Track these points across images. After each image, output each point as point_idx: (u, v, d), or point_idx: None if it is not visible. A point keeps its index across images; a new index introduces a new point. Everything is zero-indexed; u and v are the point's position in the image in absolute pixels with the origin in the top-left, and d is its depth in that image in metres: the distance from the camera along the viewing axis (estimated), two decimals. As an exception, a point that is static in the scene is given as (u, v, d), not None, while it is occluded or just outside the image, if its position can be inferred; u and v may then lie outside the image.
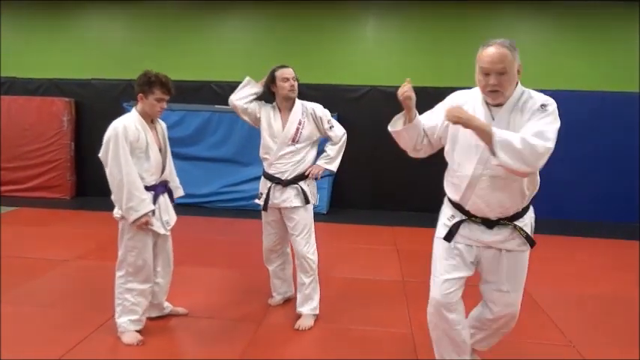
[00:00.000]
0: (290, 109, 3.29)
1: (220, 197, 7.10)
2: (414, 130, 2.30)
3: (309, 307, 3.32)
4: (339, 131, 3.36)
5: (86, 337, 3.00)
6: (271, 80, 3.27)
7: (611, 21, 7.06)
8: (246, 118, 3.35)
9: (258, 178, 3.48)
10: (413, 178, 7.13)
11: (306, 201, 3.26)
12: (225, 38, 7.66)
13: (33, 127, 7.36)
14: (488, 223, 2.27)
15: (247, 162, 6.87)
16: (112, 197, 2.86)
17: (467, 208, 2.29)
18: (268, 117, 3.31)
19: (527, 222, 2.30)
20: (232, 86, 7.77)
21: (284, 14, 7.46)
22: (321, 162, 3.35)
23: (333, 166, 3.37)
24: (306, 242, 3.29)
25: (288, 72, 3.24)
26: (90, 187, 7.37)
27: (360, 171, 7.29)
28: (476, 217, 2.28)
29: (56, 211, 6.58)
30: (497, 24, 7.28)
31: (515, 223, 2.25)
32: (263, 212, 3.41)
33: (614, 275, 4.69)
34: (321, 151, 3.42)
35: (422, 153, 2.43)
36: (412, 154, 2.44)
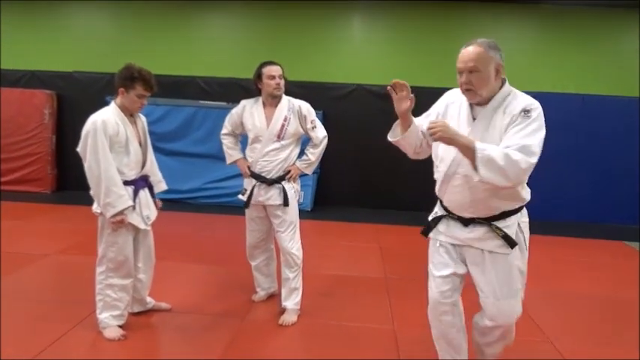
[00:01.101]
0: (276, 105, 3.29)
1: (204, 193, 7.07)
2: (412, 137, 2.29)
3: (293, 302, 3.33)
4: (320, 133, 3.39)
5: (66, 332, 2.97)
6: (257, 76, 3.26)
7: (594, 24, 7.20)
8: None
9: (242, 175, 3.47)
10: (397, 176, 7.19)
11: (285, 203, 3.27)
12: (212, 34, 7.61)
13: (13, 120, 7.22)
14: (464, 221, 2.24)
15: (232, 158, 6.86)
16: (91, 192, 2.83)
17: (444, 204, 2.31)
18: (252, 116, 3.31)
19: (512, 223, 2.19)
20: (218, 82, 7.72)
21: (271, 11, 7.44)
22: (299, 164, 3.37)
23: (309, 171, 3.43)
24: (290, 238, 3.31)
25: (275, 70, 3.23)
26: (71, 181, 7.27)
27: (345, 169, 7.32)
28: (452, 213, 2.28)
29: (36, 205, 6.48)
30: (482, 24, 7.35)
31: (495, 223, 2.17)
32: (247, 209, 3.42)
33: (594, 274, 4.79)
34: (303, 150, 3.44)
35: (422, 155, 2.40)
36: (413, 157, 2.41)
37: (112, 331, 2.92)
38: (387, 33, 7.48)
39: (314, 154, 3.38)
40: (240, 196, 3.43)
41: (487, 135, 2.09)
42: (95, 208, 2.88)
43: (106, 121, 2.78)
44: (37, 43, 7.71)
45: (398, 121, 2.31)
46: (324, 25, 7.50)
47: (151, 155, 3.11)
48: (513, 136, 2.01)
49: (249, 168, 3.36)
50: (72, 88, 7.52)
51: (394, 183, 7.25)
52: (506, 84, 2.17)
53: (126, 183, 2.87)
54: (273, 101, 3.29)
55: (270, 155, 3.28)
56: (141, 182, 3.00)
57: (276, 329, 3.21)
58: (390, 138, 2.34)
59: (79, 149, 2.81)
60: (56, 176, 7.52)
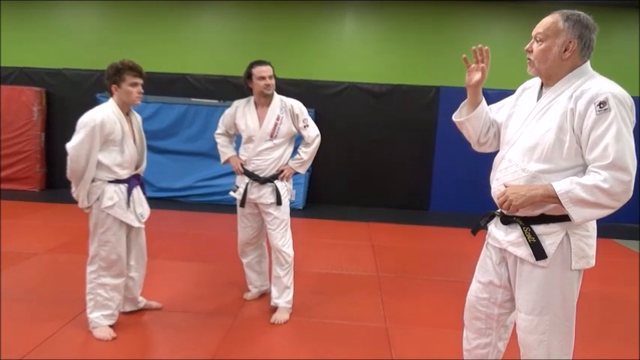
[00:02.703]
0: (268, 104, 3.28)
1: (195, 191, 7.04)
2: (478, 120, 2.01)
3: (284, 300, 3.32)
4: (312, 132, 3.36)
5: (56, 331, 2.94)
6: (248, 76, 3.25)
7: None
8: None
9: (233, 173, 3.46)
10: (389, 174, 7.20)
11: (278, 202, 3.26)
12: (203, 31, 7.57)
13: (1, 117, 7.13)
14: (504, 219, 1.90)
15: (223, 156, 6.84)
16: (67, 174, 2.81)
17: (492, 195, 1.95)
18: (244, 116, 3.31)
19: (553, 232, 1.79)
20: (209, 79, 7.67)
21: (262, 8, 7.41)
22: (292, 163, 3.35)
23: (302, 170, 3.40)
24: (281, 236, 3.30)
25: (265, 70, 3.21)
26: (60, 180, 7.12)
27: (337, 167, 7.32)
28: (497, 209, 1.94)
29: (25, 204, 6.42)
30: (475, 23, 7.38)
31: (533, 226, 1.81)
32: (239, 206, 3.40)
33: (591, 273, 4.81)
34: (297, 147, 3.43)
35: (488, 146, 2.08)
36: (476, 148, 2.11)
37: (102, 331, 2.89)
38: (379, 31, 7.48)
39: (307, 153, 3.36)
40: (231, 193, 3.42)
41: (543, 119, 1.79)
42: (81, 203, 2.85)
43: (104, 119, 2.76)
44: (25, 39, 7.62)
45: (465, 101, 2.06)
46: (316, 22, 7.49)
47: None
48: (596, 146, 1.65)
49: (242, 166, 3.35)
50: (61, 85, 7.45)
51: (386, 181, 7.26)
52: (584, 67, 1.83)
53: (119, 182, 2.86)
54: (265, 101, 3.28)
55: (264, 154, 3.27)
56: (134, 180, 2.98)
57: (268, 327, 3.20)
58: (454, 118, 2.08)
59: (68, 144, 2.75)
60: (45, 174, 7.45)
